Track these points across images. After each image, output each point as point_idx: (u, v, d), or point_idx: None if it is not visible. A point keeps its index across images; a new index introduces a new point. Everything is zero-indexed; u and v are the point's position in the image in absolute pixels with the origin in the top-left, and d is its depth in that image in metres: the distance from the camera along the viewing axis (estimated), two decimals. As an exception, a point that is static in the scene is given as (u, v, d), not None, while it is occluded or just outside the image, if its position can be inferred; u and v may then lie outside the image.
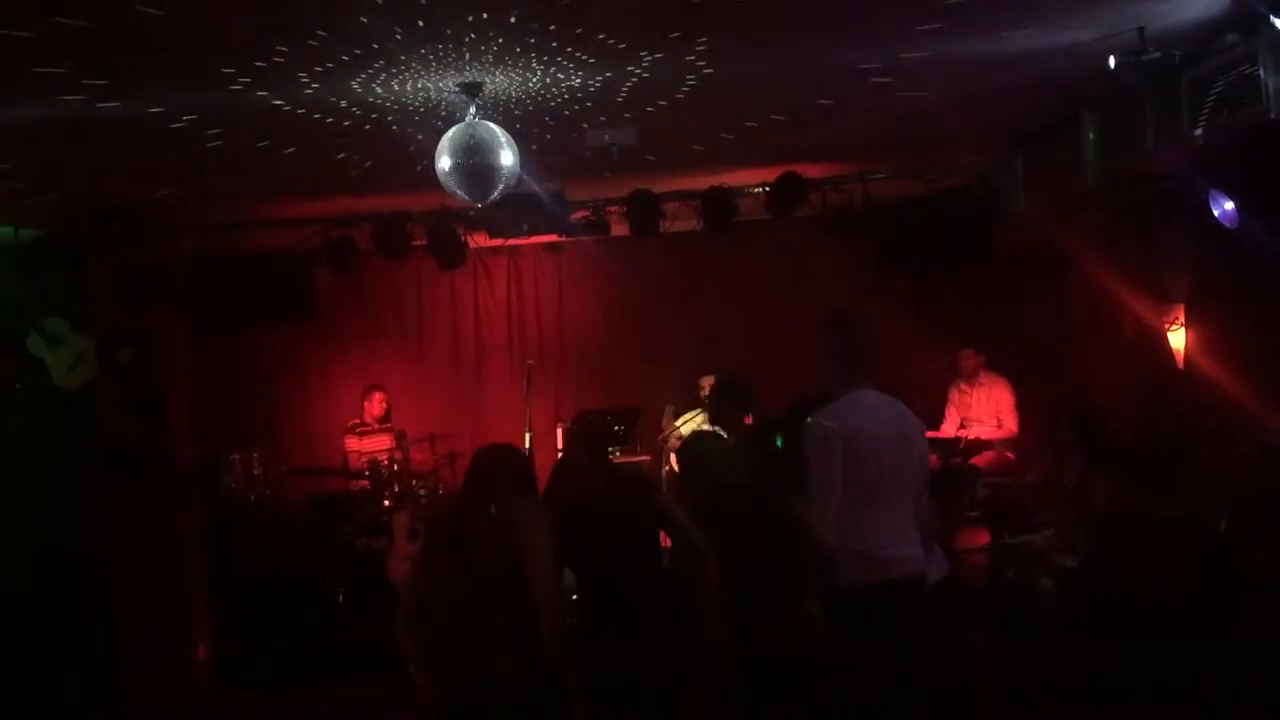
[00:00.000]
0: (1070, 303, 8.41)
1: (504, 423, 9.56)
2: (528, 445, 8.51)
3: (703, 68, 4.86)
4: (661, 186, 7.83)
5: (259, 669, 7.45)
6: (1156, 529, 4.32)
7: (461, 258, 8.36)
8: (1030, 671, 4.69)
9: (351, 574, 8.17)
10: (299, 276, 8.33)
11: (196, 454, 7.79)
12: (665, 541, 4.72)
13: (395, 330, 10.12)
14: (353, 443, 9.07)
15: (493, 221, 7.71)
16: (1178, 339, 7.12)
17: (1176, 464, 5.91)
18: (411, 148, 5.83)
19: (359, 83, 4.72)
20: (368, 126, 5.48)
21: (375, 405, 9.20)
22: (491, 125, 4.87)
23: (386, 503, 8.41)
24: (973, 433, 8.69)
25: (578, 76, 4.89)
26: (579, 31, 4.26)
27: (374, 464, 8.55)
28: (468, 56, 4.47)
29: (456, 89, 4.88)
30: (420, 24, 4.04)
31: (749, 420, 6.15)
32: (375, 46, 4.24)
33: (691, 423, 7.97)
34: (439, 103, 5.14)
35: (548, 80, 4.93)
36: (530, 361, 9.41)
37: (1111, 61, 4.81)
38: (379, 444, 8.95)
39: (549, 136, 5.95)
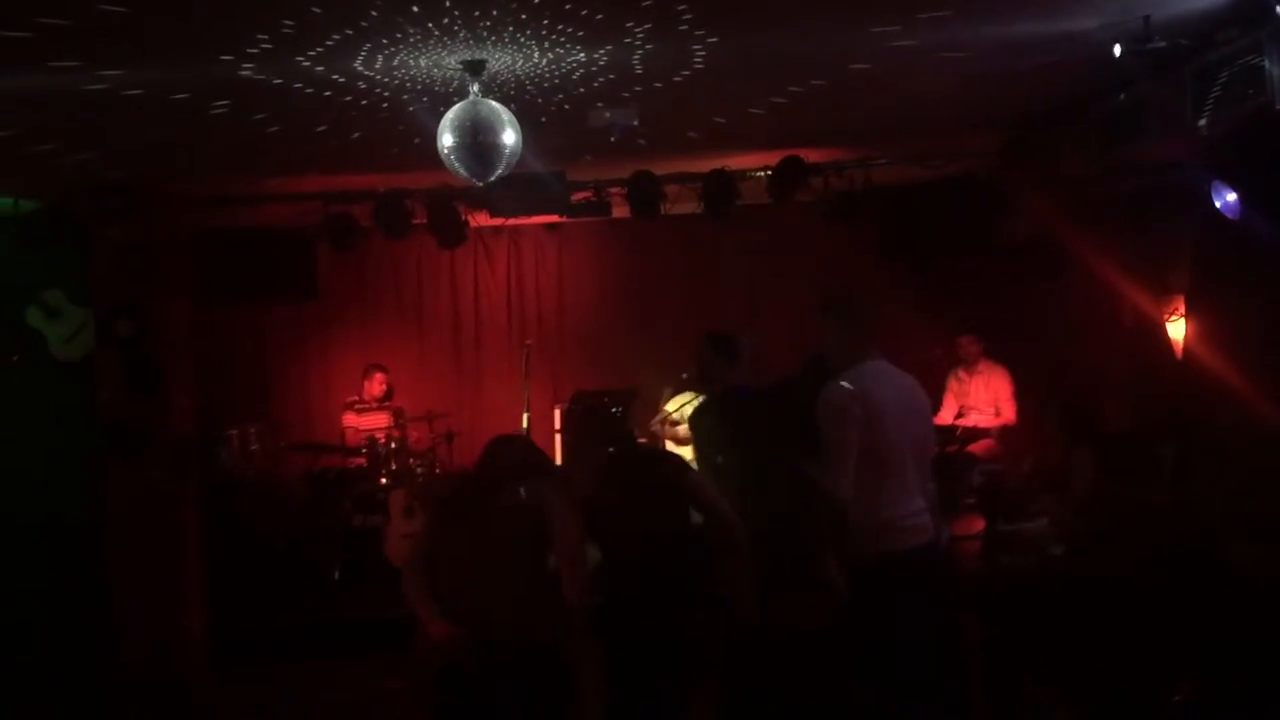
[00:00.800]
0: (1071, 292, 8.39)
1: (502, 403, 9.58)
2: (525, 425, 8.52)
3: (705, 49, 4.84)
4: (663, 169, 7.82)
5: (253, 644, 7.47)
6: (1141, 516, 4.34)
7: (462, 237, 8.34)
8: (1020, 657, 4.71)
9: (347, 551, 8.19)
10: (299, 253, 8.31)
11: (194, 429, 7.79)
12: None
13: (394, 308, 10.13)
14: (350, 419, 9.08)
15: (494, 201, 7.70)
16: (1177, 330, 7.11)
17: (1166, 454, 5.93)
18: (413, 126, 5.82)
19: (361, 59, 4.70)
20: (368, 103, 5.46)
21: (375, 385, 9.20)
22: (494, 104, 4.87)
23: (383, 480, 8.42)
24: (970, 420, 8.71)
25: (580, 55, 4.87)
26: (581, 11, 4.24)
27: (371, 442, 8.56)
28: (470, 33, 4.46)
29: (459, 66, 4.87)
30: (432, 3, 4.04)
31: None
32: (377, 21, 4.22)
33: (687, 406, 7.96)
34: (441, 80, 5.13)
35: (550, 59, 4.92)
36: (529, 342, 9.42)
37: (1116, 50, 4.81)
38: (377, 421, 8.97)
39: (551, 116, 5.94)
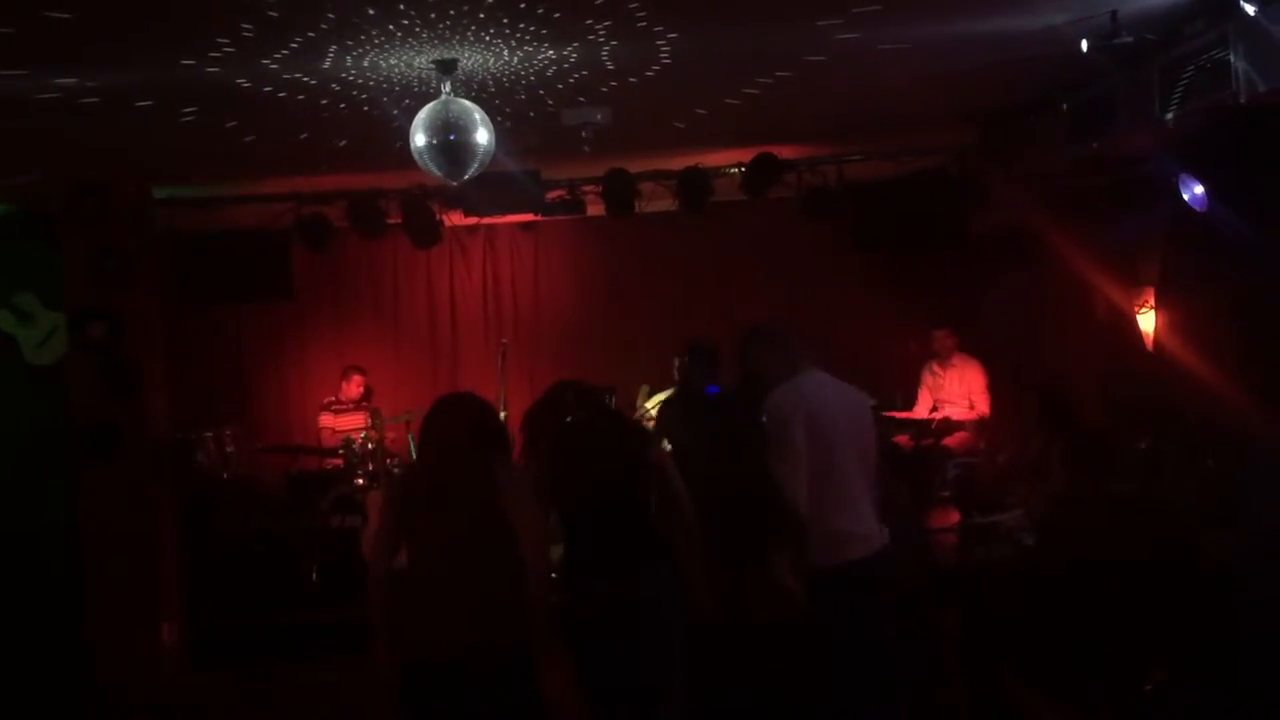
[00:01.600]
0: (1043, 285, 8.46)
1: (479, 402, 9.55)
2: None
3: (670, 46, 4.86)
4: (637, 166, 7.84)
5: (231, 647, 7.44)
6: (1113, 507, 4.39)
7: (437, 236, 8.34)
8: (995, 649, 4.75)
9: (324, 552, 8.17)
10: (274, 254, 8.29)
11: (170, 432, 7.76)
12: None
13: (370, 308, 10.10)
14: (327, 419, 9.06)
15: (468, 200, 7.70)
16: (1147, 322, 7.18)
17: (1137, 445, 5.99)
18: (386, 125, 5.82)
19: (331, 58, 4.70)
20: (342, 104, 5.46)
21: (353, 387, 9.17)
22: (466, 103, 4.88)
23: (360, 481, 8.39)
24: (945, 413, 8.76)
25: (549, 53, 4.88)
26: (551, 11, 4.25)
27: (348, 442, 8.54)
28: (439, 33, 4.46)
29: (431, 66, 4.87)
30: (399, 3, 4.04)
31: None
32: (348, 21, 4.22)
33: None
34: (414, 80, 5.13)
35: (520, 58, 4.93)
36: (505, 341, 9.42)
37: (1084, 45, 4.85)
38: (354, 422, 8.94)
39: (524, 115, 5.95)
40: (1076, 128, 6.22)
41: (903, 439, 8.44)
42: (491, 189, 7.26)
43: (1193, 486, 5.10)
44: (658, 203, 8.11)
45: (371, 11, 4.08)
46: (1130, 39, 4.79)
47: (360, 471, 8.42)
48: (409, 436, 8.87)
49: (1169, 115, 5.14)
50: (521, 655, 4.13)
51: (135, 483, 7.27)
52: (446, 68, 4.85)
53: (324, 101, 5.39)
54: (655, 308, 9.75)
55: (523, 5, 4.15)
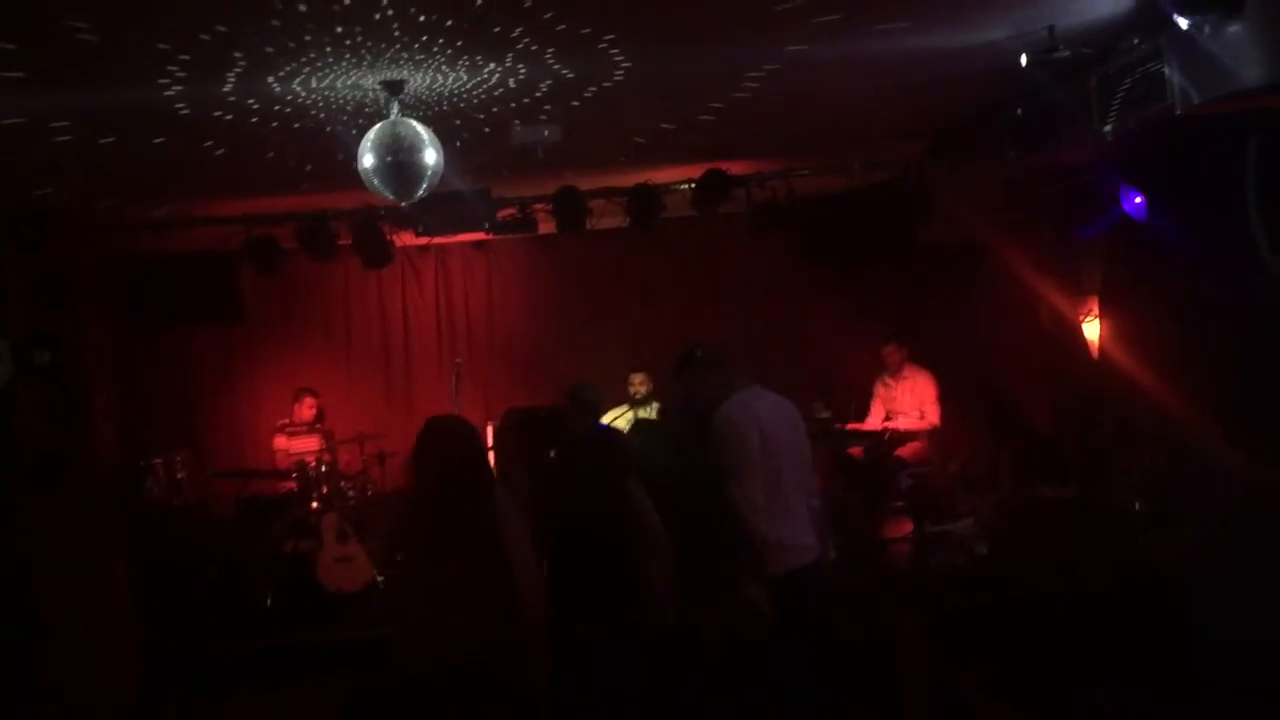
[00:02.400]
0: (991, 295, 8.58)
1: (433, 422, 9.50)
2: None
3: (620, 64, 4.89)
4: (588, 184, 7.86)
5: (186, 675, 7.34)
6: (1060, 512, 4.48)
7: (388, 257, 8.31)
8: (951, 655, 4.81)
9: (279, 577, 8.09)
10: (222, 277, 8.23)
11: (119, 458, 7.65)
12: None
13: (322, 330, 10.03)
14: (281, 441, 8.97)
15: (419, 220, 7.68)
16: (1092, 330, 7.31)
17: (1084, 451, 6.09)
18: (335, 146, 5.80)
19: (278, 80, 4.68)
20: (292, 125, 5.43)
21: (305, 409, 9.08)
22: (414, 123, 4.87)
23: (314, 505, 8.33)
24: (899, 424, 8.83)
25: (497, 74, 4.90)
26: (494, 30, 4.27)
27: (301, 465, 8.47)
28: (386, 54, 4.46)
29: (378, 86, 4.87)
30: (337, 25, 4.03)
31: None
32: (293, 44, 4.22)
33: (620, 419, 8.00)
34: (361, 100, 5.12)
35: (469, 78, 4.94)
36: (459, 360, 9.38)
37: (1023, 60, 4.95)
38: (307, 445, 8.86)
39: (474, 134, 5.95)
40: (1020, 140, 6.32)
41: (857, 451, 8.51)
42: (442, 208, 7.26)
43: (1133, 490, 5.20)
44: (609, 220, 8.13)
45: (311, 36, 4.08)
46: (1068, 53, 4.88)
47: (315, 495, 8.35)
48: (362, 459, 8.83)
49: (1107, 127, 5.24)
50: (520, 679, 4.17)
51: (85, 511, 7.16)
52: (394, 88, 4.85)
53: (272, 124, 5.37)
54: (609, 324, 9.76)
55: (468, 26, 4.17)
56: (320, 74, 4.65)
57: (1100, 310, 7.24)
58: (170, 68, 4.38)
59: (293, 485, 8.52)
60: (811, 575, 4.74)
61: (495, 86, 5.12)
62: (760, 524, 4.55)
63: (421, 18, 4.06)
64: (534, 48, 4.52)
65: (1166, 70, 4.73)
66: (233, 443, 9.60)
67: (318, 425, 9.13)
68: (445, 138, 5.00)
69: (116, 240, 7.87)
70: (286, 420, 9.12)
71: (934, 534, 6.16)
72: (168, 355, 9.53)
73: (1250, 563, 3.97)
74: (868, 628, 5.14)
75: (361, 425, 9.16)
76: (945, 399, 8.79)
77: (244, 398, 9.81)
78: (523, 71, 4.90)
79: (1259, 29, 4.21)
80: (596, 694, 4.39)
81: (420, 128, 4.84)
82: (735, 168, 7.81)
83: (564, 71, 4.94)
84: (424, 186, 4.89)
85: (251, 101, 4.95)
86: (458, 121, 5.67)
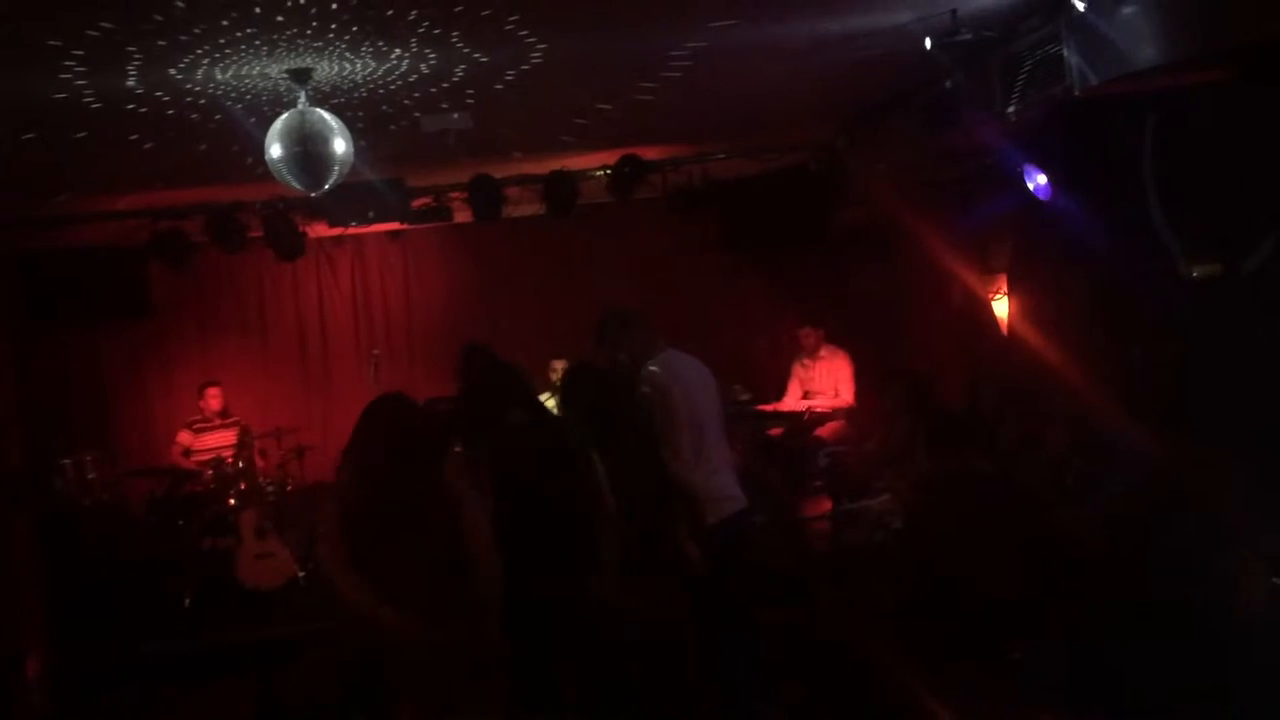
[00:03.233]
0: (903, 276, 8.72)
1: (352, 415, 9.31)
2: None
3: (535, 46, 4.88)
4: (502, 171, 7.82)
5: (102, 677, 7.16)
6: (973, 485, 4.59)
7: (300, 248, 8.20)
8: (869, 628, 4.91)
9: (197, 576, 7.94)
10: (129, 271, 8.07)
11: (24, 459, 7.45)
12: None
13: (236, 324, 9.85)
14: (185, 437, 8.79)
15: (331, 210, 7.60)
16: (1001, 308, 7.47)
17: (995, 427, 6.23)
18: (242, 137, 5.70)
19: (180, 70, 4.59)
20: (195, 115, 5.33)
21: (211, 401, 8.91)
22: (322, 112, 4.81)
23: (231, 501, 8.18)
24: (816, 404, 8.94)
25: (406, 61, 4.85)
26: (399, 17, 4.23)
27: (217, 461, 8.31)
28: (294, 42, 4.39)
29: (285, 75, 4.79)
30: (234, 12, 3.96)
31: None
32: (184, 37, 4.13)
33: (548, 402, 7.97)
34: (267, 90, 5.04)
35: (377, 66, 4.88)
36: (376, 351, 9.26)
37: (928, 43, 5.03)
38: (221, 440, 8.70)
39: (385, 123, 5.89)
40: (929, 122, 6.43)
41: (776, 432, 8.60)
42: (353, 199, 7.19)
43: (1041, 465, 5.34)
44: (525, 207, 8.11)
45: (235, 13, 4.00)
46: (970, 36, 4.97)
47: (232, 491, 8.21)
48: (280, 453, 8.70)
49: (1010, 109, 5.35)
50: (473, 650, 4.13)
51: (-10, 514, 6.97)
52: (300, 77, 4.78)
53: (176, 113, 5.25)
54: (528, 312, 9.73)
55: (357, 9, 4.11)
56: (222, 65, 4.56)
57: (1009, 288, 7.40)
58: (67, 62, 4.27)
59: (209, 483, 8.36)
60: (742, 521, 4.89)
61: (407, 74, 5.07)
62: (693, 477, 4.67)
63: (311, 7, 4.00)
64: (436, 31, 4.47)
65: (1065, 52, 4.83)
66: (145, 441, 9.40)
67: (229, 417, 8.97)
68: (357, 128, 4.94)
69: (15, 236, 7.65)
70: (198, 417, 8.94)
71: (851, 511, 6.26)
72: (74, 352, 9.30)
73: (1151, 534, 4.12)
74: (789, 601, 5.21)
75: (279, 419, 9.02)
76: (861, 378, 8.91)
77: (156, 395, 9.61)
78: (432, 57, 4.85)
79: (1152, 10, 4.33)
80: (549, 660, 4.41)
81: (329, 117, 4.78)
82: (650, 153, 7.84)
83: (476, 56, 4.90)
84: (333, 177, 4.83)
85: (158, 93, 4.85)
86: (366, 112, 5.61)
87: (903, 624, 4.55)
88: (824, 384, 8.98)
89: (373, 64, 4.85)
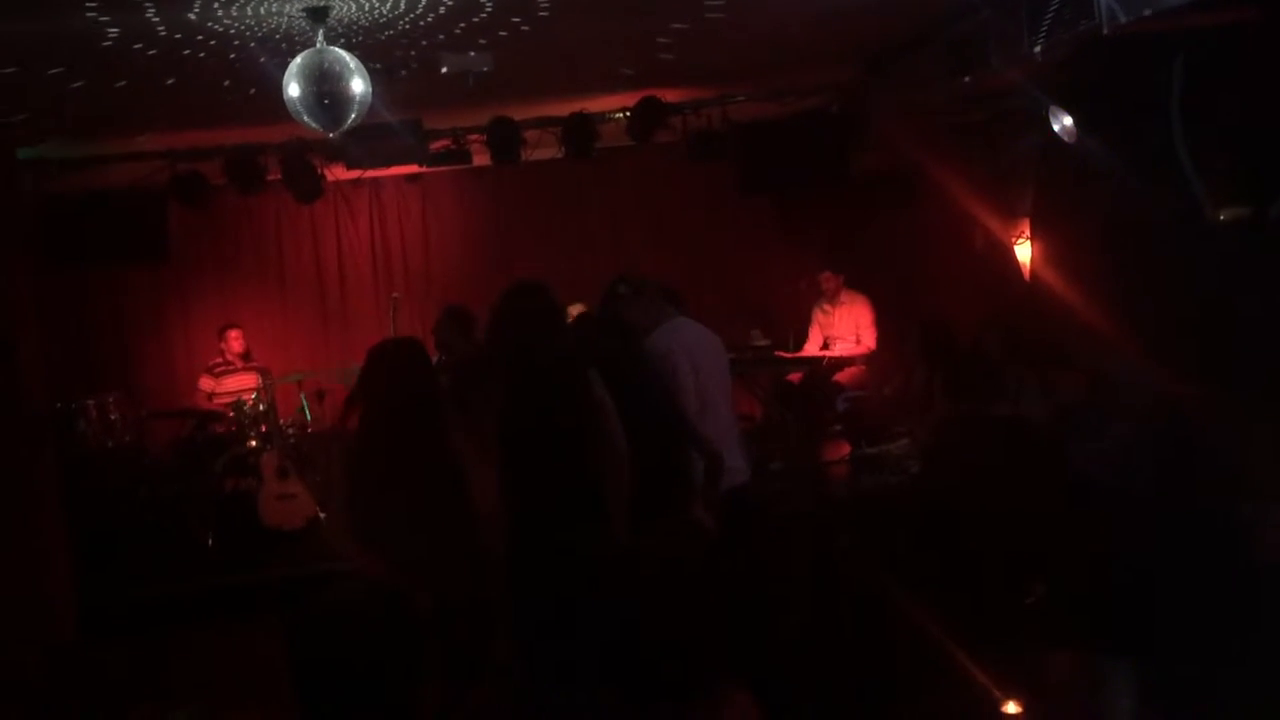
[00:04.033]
0: (925, 220, 8.65)
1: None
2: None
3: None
4: (521, 114, 7.77)
5: (127, 617, 7.28)
6: (989, 429, 4.58)
7: (319, 190, 8.19)
8: (889, 573, 4.92)
9: (220, 517, 8.03)
10: (149, 214, 8.05)
11: (49, 401, 7.51)
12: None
13: (255, 267, 9.88)
14: (207, 383, 8.85)
15: (349, 152, 7.56)
16: (1024, 253, 7.41)
17: (1013, 370, 6.20)
18: (260, 77, 5.66)
19: (199, 8, 4.55)
20: (213, 56, 5.29)
21: (233, 343, 8.97)
22: (340, 51, 4.76)
23: (253, 443, 8.25)
24: (836, 349, 8.93)
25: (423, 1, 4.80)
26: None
27: (238, 404, 8.37)
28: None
29: (302, 14, 4.75)
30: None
31: None
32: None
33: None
34: (286, 29, 5.00)
35: (396, 3, 4.83)
36: (395, 294, 9.28)
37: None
38: (242, 383, 8.76)
39: (401, 64, 5.84)
40: (953, 63, 6.32)
41: (795, 377, 8.60)
42: (372, 140, 7.15)
43: (1058, 406, 5.32)
44: (544, 150, 8.06)
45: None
46: (998, -29, 4.88)
47: (253, 433, 8.27)
48: (301, 396, 8.75)
49: (1037, 48, 5.26)
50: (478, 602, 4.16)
51: (14, 454, 7.03)
52: (318, 15, 4.73)
53: (195, 53, 5.22)
54: (545, 256, 9.69)
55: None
56: (240, 2, 4.52)
57: (1031, 232, 7.33)
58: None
59: (231, 424, 8.43)
60: (746, 494, 4.89)
61: (425, 14, 5.01)
62: (712, 441, 4.64)
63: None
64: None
65: (1094, -11, 4.74)
66: (167, 383, 9.48)
67: (250, 360, 9.02)
68: (372, 66, 4.89)
69: (38, 179, 7.65)
70: (219, 360, 8.99)
71: (870, 455, 6.26)
72: (96, 295, 9.36)
73: (1164, 474, 4.11)
74: (806, 546, 5.23)
75: (298, 363, 9.08)
76: (881, 323, 8.89)
77: (177, 337, 9.67)
78: (449, -2, 4.80)
79: (1184, -54, 4.23)
80: (553, 609, 4.40)
81: (347, 56, 4.74)
82: (670, 95, 7.76)
83: (492, -3, 4.85)
84: (352, 117, 4.80)
85: (175, 33, 4.81)
86: (384, 55, 5.56)
87: (919, 567, 4.55)
88: (844, 329, 8.96)
89: (393, 1, 4.80)
